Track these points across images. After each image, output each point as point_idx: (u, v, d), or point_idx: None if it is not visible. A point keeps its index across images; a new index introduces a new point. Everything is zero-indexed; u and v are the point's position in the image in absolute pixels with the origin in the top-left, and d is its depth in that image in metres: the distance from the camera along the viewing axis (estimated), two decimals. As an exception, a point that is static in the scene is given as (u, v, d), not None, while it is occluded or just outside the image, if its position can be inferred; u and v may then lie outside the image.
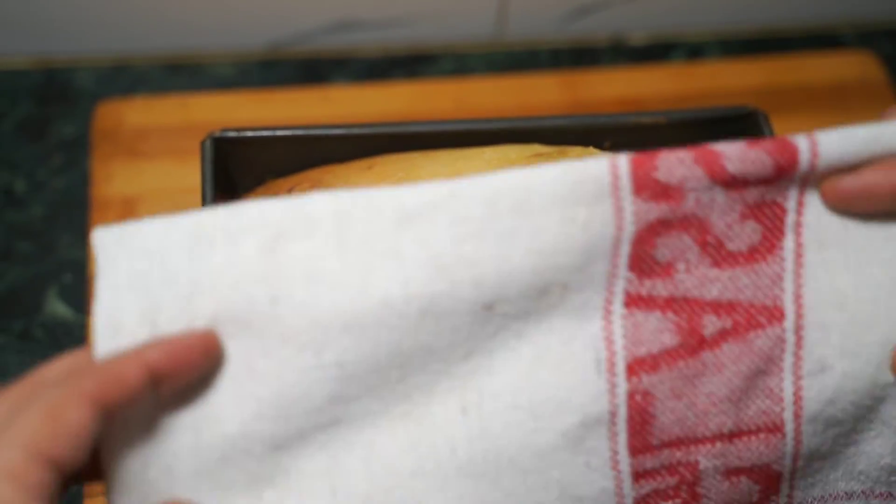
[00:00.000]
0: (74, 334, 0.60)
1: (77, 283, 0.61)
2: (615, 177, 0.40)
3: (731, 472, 0.42)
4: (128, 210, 0.61)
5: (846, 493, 0.44)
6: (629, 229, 0.40)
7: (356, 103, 0.68)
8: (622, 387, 0.41)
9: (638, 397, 0.41)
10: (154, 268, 0.38)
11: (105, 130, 0.65)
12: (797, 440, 0.42)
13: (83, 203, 0.64)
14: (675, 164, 0.39)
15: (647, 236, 0.40)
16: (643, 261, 0.41)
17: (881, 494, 0.44)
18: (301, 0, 0.68)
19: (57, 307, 0.61)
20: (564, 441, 0.41)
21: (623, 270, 0.41)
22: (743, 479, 0.43)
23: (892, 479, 0.44)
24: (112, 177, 0.63)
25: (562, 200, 0.39)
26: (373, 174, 0.54)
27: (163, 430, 0.38)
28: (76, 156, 0.66)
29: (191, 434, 0.38)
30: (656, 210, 0.40)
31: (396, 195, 0.39)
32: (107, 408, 0.34)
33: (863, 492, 0.44)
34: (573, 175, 0.39)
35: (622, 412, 0.41)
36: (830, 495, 0.44)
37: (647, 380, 0.41)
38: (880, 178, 0.39)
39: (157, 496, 0.38)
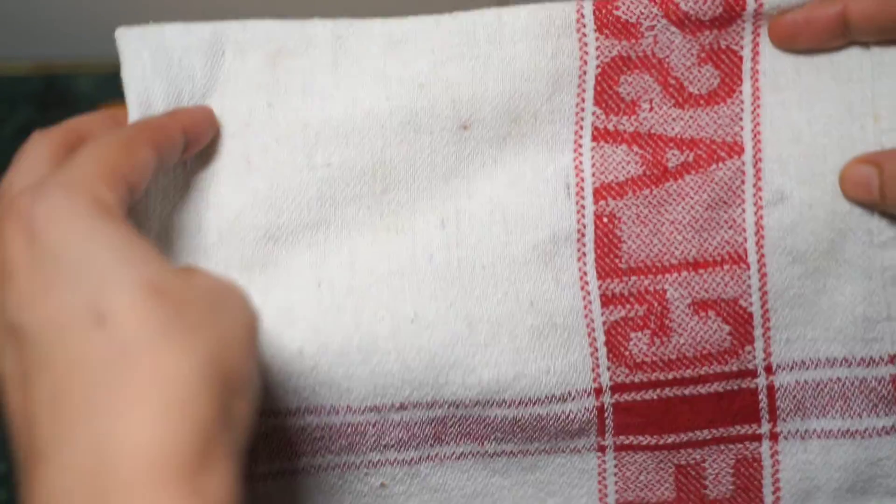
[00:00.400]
0: (74, 339, 0.60)
1: (77, 289, 0.61)
2: (580, 14, 0.44)
3: (698, 305, 0.44)
4: (128, 215, 0.61)
5: (827, 359, 0.44)
6: (593, 63, 0.44)
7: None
8: (589, 209, 0.44)
9: (605, 219, 0.44)
10: (173, 65, 0.43)
11: (105, 136, 0.65)
12: (762, 273, 0.44)
13: (83, 208, 0.64)
14: (633, 2, 0.44)
15: (610, 72, 0.44)
16: (609, 97, 0.45)
17: (862, 361, 0.44)
18: (300, 7, 0.68)
19: (57, 312, 0.61)
20: (535, 254, 0.44)
21: (589, 104, 0.45)
22: (711, 314, 0.44)
23: (870, 335, 0.44)
24: (112, 182, 0.63)
25: (532, 33, 0.44)
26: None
27: (170, 210, 0.43)
28: (76, 161, 0.66)
29: (193, 216, 0.43)
30: (618, 46, 0.44)
31: (387, 23, 0.44)
32: (160, 154, 0.38)
33: (844, 358, 0.44)
34: (543, 12, 0.44)
35: (589, 232, 0.44)
36: (811, 360, 0.45)
37: (613, 204, 0.44)
38: (819, 10, 0.42)
39: None
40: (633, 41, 0.44)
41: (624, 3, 0.44)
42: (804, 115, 0.44)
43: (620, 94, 0.45)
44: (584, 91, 0.45)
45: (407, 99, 0.44)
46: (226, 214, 0.44)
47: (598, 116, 0.45)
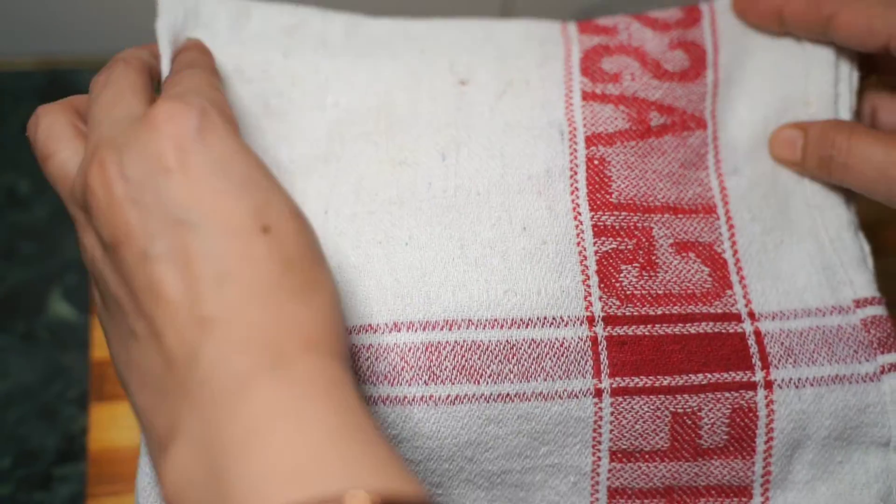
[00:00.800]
0: (78, 335, 0.60)
1: (80, 284, 0.61)
2: (564, 26, 0.52)
3: (680, 245, 0.48)
4: (131, 211, 0.61)
5: (804, 309, 0.48)
6: (576, 49, 0.51)
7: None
8: (581, 151, 0.49)
9: (596, 161, 0.49)
10: (199, 25, 0.49)
11: (108, 131, 0.64)
12: (730, 225, 0.49)
13: (87, 204, 0.64)
14: (609, 16, 0.52)
15: (593, 55, 0.51)
16: (594, 70, 0.51)
17: (833, 309, 0.48)
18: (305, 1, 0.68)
19: (60, 308, 0.61)
20: (529, 184, 0.48)
21: (577, 75, 0.51)
22: (692, 255, 0.48)
23: (834, 281, 0.48)
24: (115, 177, 0.63)
25: (522, 32, 0.52)
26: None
27: None
28: (80, 156, 0.66)
29: None
30: (597, 38, 0.51)
31: (405, 21, 0.52)
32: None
33: (818, 309, 0.48)
34: (532, 24, 0.52)
35: (582, 171, 0.48)
36: (790, 311, 0.48)
37: (603, 150, 0.49)
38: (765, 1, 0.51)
39: None
40: (611, 36, 0.51)
41: (601, 19, 0.52)
42: (748, 106, 0.51)
43: (604, 69, 0.51)
44: (570, 66, 0.51)
45: (409, 58, 0.51)
46: None
47: (585, 84, 0.50)
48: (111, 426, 0.55)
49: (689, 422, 0.45)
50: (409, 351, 0.45)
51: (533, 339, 0.45)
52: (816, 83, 0.51)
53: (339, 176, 0.49)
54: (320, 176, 0.49)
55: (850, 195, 0.50)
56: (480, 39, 0.51)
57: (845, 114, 0.51)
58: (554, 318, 0.46)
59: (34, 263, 0.62)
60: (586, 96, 0.50)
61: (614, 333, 0.46)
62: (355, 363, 0.45)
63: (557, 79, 0.51)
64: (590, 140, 0.49)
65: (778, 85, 0.51)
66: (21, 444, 0.57)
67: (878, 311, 0.47)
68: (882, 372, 0.46)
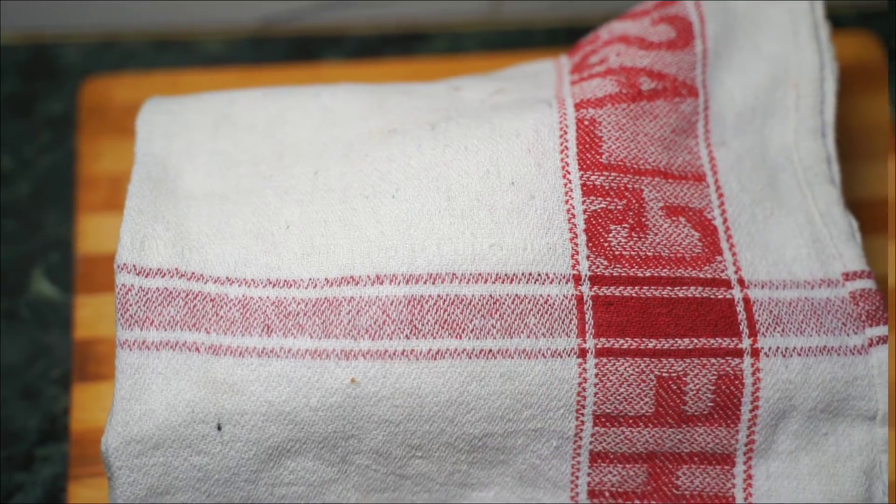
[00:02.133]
0: (61, 314, 0.59)
1: (63, 263, 0.61)
2: (557, 59, 0.55)
3: (670, 209, 0.48)
4: (115, 188, 0.60)
5: (793, 280, 0.48)
6: (566, 64, 0.54)
7: (347, 81, 0.67)
8: (571, 115, 0.49)
9: (586, 122, 0.49)
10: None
11: (93, 107, 0.64)
12: (719, 193, 0.50)
13: (70, 181, 0.63)
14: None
15: (580, 62, 0.53)
16: (582, 68, 0.52)
17: (822, 281, 0.49)
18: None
19: (43, 286, 0.60)
20: (518, 141, 0.48)
21: (566, 76, 0.52)
22: (682, 219, 0.48)
23: (823, 255, 0.49)
24: (100, 155, 0.62)
25: (517, 69, 0.55)
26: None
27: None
28: (63, 133, 0.65)
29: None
30: (582, 51, 0.54)
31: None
32: None
33: (807, 281, 0.48)
34: (527, 64, 0.55)
35: (571, 131, 0.49)
36: (779, 281, 0.48)
37: (593, 111, 0.49)
38: None
39: None
40: (594, 42, 0.53)
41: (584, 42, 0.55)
42: (736, 82, 0.52)
43: (590, 63, 0.52)
44: (561, 75, 0.53)
45: (406, 86, 0.53)
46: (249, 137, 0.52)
47: (573, 78, 0.52)
48: (94, 407, 0.55)
49: (675, 387, 0.46)
50: (391, 304, 0.45)
51: (517, 295, 0.45)
52: (803, 67, 0.52)
53: (328, 144, 0.50)
54: (308, 143, 0.50)
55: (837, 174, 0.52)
56: (478, 77, 0.55)
57: (831, 97, 0.53)
58: (539, 275, 0.46)
59: (16, 241, 0.61)
60: (574, 82, 0.51)
61: (601, 293, 0.46)
62: (336, 316, 0.45)
63: (547, 83, 0.52)
64: (579, 105, 0.49)
65: (765, 65, 0.52)
66: (3, 425, 0.56)
67: (868, 284, 0.48)
68: (870, 345, 0.47)
